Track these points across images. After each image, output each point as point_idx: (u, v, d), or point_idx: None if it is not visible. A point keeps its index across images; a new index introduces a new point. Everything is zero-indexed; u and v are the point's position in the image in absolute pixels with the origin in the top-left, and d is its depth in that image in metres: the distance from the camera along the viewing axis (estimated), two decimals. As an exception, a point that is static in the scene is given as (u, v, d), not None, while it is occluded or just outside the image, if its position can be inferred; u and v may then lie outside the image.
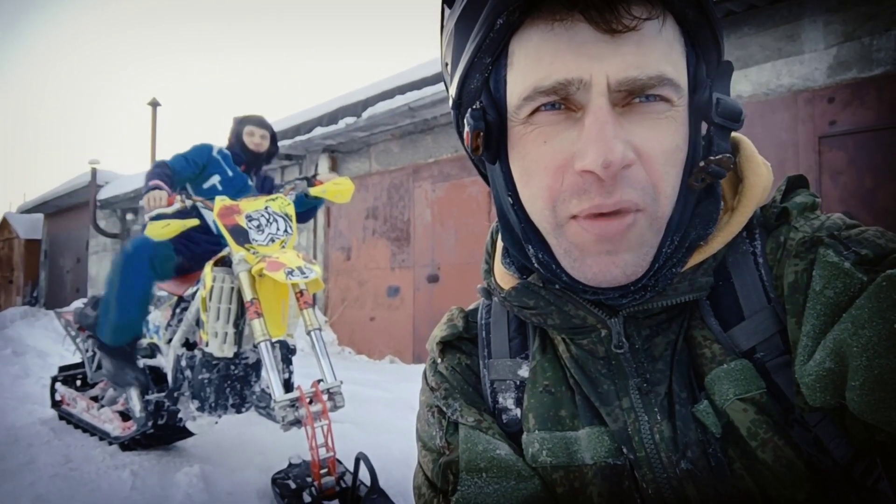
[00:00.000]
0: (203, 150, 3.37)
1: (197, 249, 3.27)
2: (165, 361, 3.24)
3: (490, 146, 0.55)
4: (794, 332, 0.50)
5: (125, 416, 3.54)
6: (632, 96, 0.49)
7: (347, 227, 8.00)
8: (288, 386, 2.95)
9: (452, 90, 0.58)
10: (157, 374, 3.37)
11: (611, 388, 0.57)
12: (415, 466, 0.70)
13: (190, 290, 3.24)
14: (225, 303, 2.73)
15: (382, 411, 4.17)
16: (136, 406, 3.27)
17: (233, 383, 2.91)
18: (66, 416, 4.05)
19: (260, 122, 3.50)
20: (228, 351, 2.77)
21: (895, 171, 3.73)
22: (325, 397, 2.43)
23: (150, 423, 3.16)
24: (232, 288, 2.73)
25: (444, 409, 0.65)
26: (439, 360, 0.71)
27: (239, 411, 2.96)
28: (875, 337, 0.43)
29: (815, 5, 3.99)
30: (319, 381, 2.47)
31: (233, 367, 2.90)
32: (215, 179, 3.34)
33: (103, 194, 12.41)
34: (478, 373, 0.69)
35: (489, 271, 0.69)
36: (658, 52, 0.48)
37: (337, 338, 7.84)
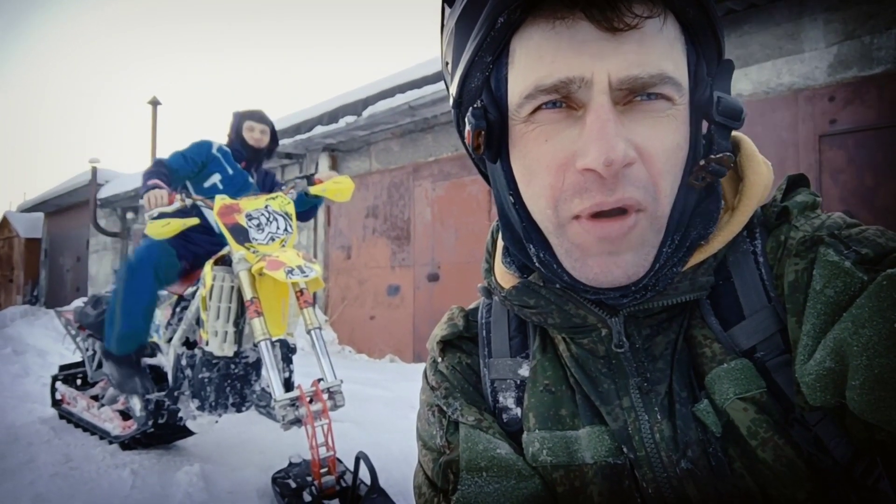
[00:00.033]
0: (202, 148, 3.33)
1: (197, 249, 3.27)
2: (166, 360, 3.24)
3: (491, 145, 0.55)
4: (795, 332, 0.50)
5: (125, 415, 3.55)
6: (633, 95, 0.49)
7: (347, 226, 8.00)
8: (288, 385, 2.95)
9: (453, 89, 0.58)
10: (157, 373, 3.38)
11: (611, 388, 0.57)
12: (415, 465, 0.70)
13: (190, 289, 3.24)
14: (225, 302, 2.73)
15: (382, 410, 4.18)
16: (136, 405, 3.27)
17: (233, 382, 2.91)
18: (66, 415, 4.05)
19: (259, 118, 3.46)
20: (229, 350, 2.77)
21: (895, 170, 3.73)
22: (325, 396, 2.43)
23: (150, 423, 3.16)
24: (232, 287, 2.73)
25: (445, 408, 0.65)
26: (440, 360, 0.71)
27: (239, 410, 2.97)
28: (875, 336, 0.43)
29: (815, 4, 3.99)
30: (320, 380, 2.47)
31: (233, 366, 2.90)
32: (216, 178, 3.32)
33: (103, 193, 12.42)
34: (478, 372, 0.69)
35: (489, 270, 0.69)
36: (659, 50, 0.48)
37: (337, 337, 7.84)
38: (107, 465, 3.12)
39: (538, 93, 0.49)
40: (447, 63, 0.60)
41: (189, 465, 2.94)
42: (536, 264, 0.57)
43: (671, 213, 0.52)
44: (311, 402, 2.39)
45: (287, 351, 3.06)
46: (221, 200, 2.72)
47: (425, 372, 0.72)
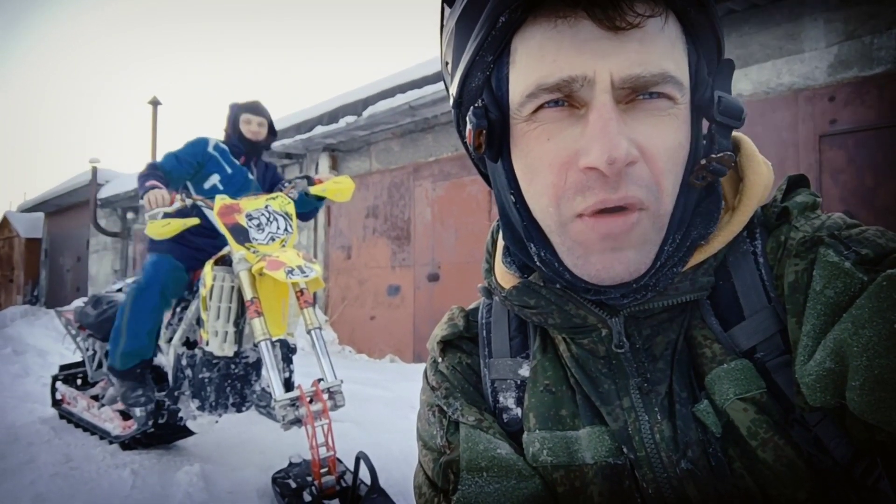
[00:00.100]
0: (197, 148, 3.26)
1: (198, 249, 3.26)
2: (166, 360, 3.25)
3: (493, 144, 0.55)
4: (795, 332, 0.50)
5: (126, 415, 3.54)
6: (635, 94, 0.49)
7: (348, 226, 8.00)
8: (288, 385, 2.95)
9: (453, 89, 0.58)
10: (157, 373, 3.38)
11: (611, 388, 0.57)
12: (415, 465, 0.71)
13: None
14: (225, 302, 2.73)
15: (383, 410, 4.18)
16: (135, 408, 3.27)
17: (233, 382, 2.91)
18: (66, 415, 4.05)
19: (256, 110, 3.38)
20: (229, 350, 2.77)
21: (895, 170, 3.73)
22: (325, 396, 2.43)
23: (150, 423, 3.16)
24: (232, 287, 2.73)
25: (445, 408, 0.65)
26: (440, 360, 0.71)
27: (239, 410, 2.97)
28: (875, 337, 0.43)
29: (815, 4, 3.99)
30: (320, 380, 2.47)
31: (233, 366, 2.90)
32: (215, 179, 3.27)
33: (104, 193, 12.42)
34: (478, 372, 0.69)
35: (490, 270, 0.69)
36: (661, 49, 0.48)
37: (337, 337, 7.84)
38: (107, 465, 3.12)
39: (540, 91, 0.49)
40: (447, 63, 0.60)
41: (189, 465, 2.94)
42: (537, 263, 0.57)
43: (673, 212, 0.52)
44: (311, 402, 2.39)
45: (287, 351, 3.06)
46: (221, 200, 2.72)
47: (425, 372, 0.72)
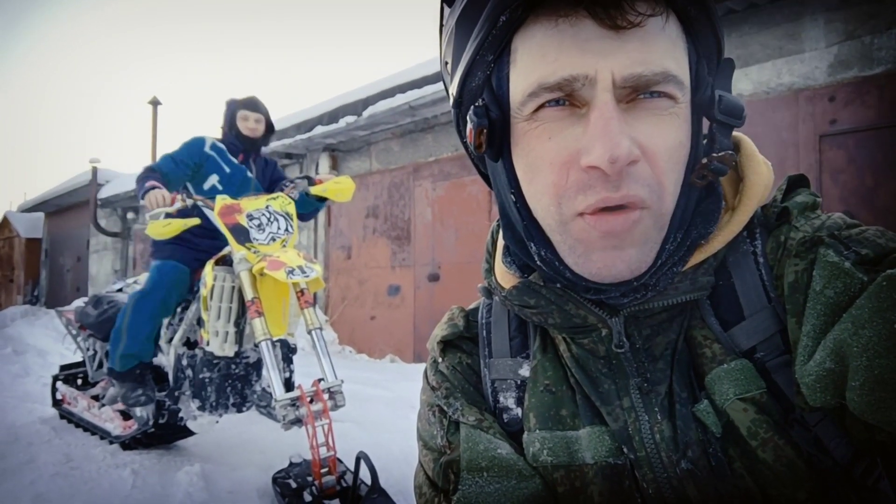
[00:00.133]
0: (193, 148, 3.22)
1: (200, 251, 3.26)
2: (166, 360, 3.25)
3: (493, 143, 0.55)
4: (795, 332, 0.50)
5: (126, 415, 3.55)
6: (636, 93, 0.49)
7: (348, 226, 8.00)
8: (289, 385, 2.95)
9: (453, 89, 0.58)
10: (157, 373, 3.37)
11: (611, 388, 0.57)
12: (415, 465, 0.71)
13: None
14: (226, 302, 2.73)
15: (383, 410, 4.18)
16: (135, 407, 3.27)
17: (234, 382, 2.91)
18: (66, 415, 4.05)
19: (253, 106, 3.32)
20: (229, 350, 2.77)
21: (895, 170, 3.74)
22: (325, 396, 2.43)
23: (150, 423, 3.16)
24: (233, 287, 2.73)
25: (445, 408, 0.65)
26: (440, 360, 0.71)
27: (240, 410, 2.97)
28: (875, 337, 0.43)
29: (816, 4, 3.99)
30: (320, 380, 2.47)
31: (234, 367, 2.90)
32: (214, 179, 3.24)
33: (104, 193, 12.42)
34: (479, 372, 0.69)
35: (490, 270, 0.69)
36: (662, 48, 0.48)
37: (337, 337, 7.84)
38: (107, 464, 3.12)
39: (542, 90, 0.49)
40: (447, 63, 0.60)
41: (189, 465, 2.94)
42: (538, 262, 0.57)
43: (674, 211, 0.53)
44: (311, 401, 2.39)
45: (287, 351, 3.06)
46: (222, 201, 2.72)
47: (426, 372, 0.72)
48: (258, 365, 2.98)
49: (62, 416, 4.12)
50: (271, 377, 2.40)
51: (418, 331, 6.86)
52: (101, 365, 3.78)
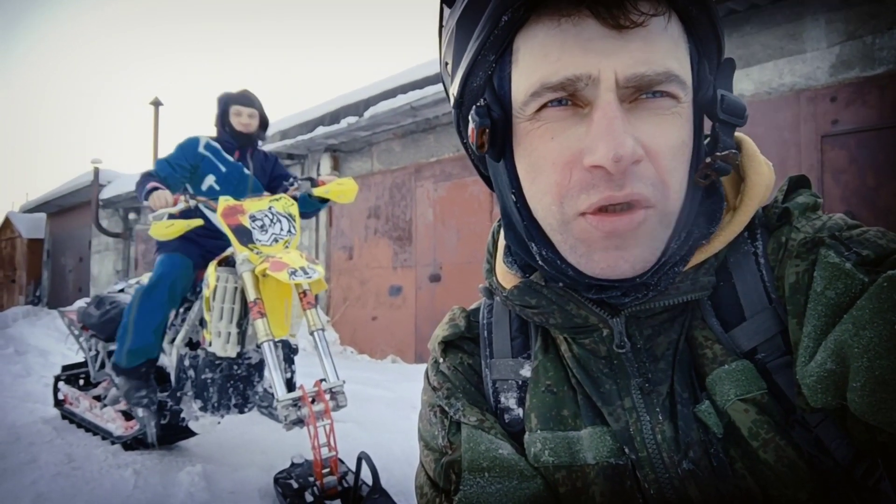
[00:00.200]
0: (188, 149, 3.19)
1: (204, 250, 3.26)
2: (168, 361, 3.25)
3: (495, 143, 0.55)
4: (796, 333, 0.50)
5: (128, 415, 3.55)
6: (639, 92, 0.49)
7: (349, 227, 8.01)
8: (290, 385, 2.95)
9: (454, 89, 0.58)
10: (159, 374, 3.38)
11: (613, 388, 0.57)
12: (417, 466, 0.71)
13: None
14: (228, 302, 2.73)
15: (384, 411, 4.18)
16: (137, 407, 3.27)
17: (236, 383, 2.91)
18: (68, 415, 4.06)
19: (245, 100, 3.26)
20: (231, 351, 2.78)
21: (898, 171, 3.73)
22: (327, 397, 2.43)
23: (152, 422, 3.16)
24: (235, 288, 2.73)
25: (447, 408, 0.65)
26: (441, 360, 0.71)
27: (242, 411, 2.97)
28: (876, 338, 0.43)
29: (817, 4, 3.99)
30: (322, 380, 2.47)
31: (236, 367, 2.90)
32: (210, 180, 3.22)
33: (106, 194, 12.44)
34: (480, 372, 0.69)
35: (491, 270, 0.69)
36: (665, 48, 0.48)
37: (339, 337, 7.85)
38: (109, 465, 3.13)
39: (544, 90, 0.49)
40: (447, 63, 0.60)
41: (191, 466, 2.95)
42: (540, 262, 0.57)
43: (680, 210, 0.53)
44: (313, 402, 2.39)
45: (289, 352, 3.06)
46: (225, 202, 2.72)
47: (427, 372, 0.72)
48: (260, 366, 2.98)
49: (64, 417, 4.12)
50: (273, 378, 2.41)
51: (420, 331, 6.85)
52: (103, 365, 3.79)
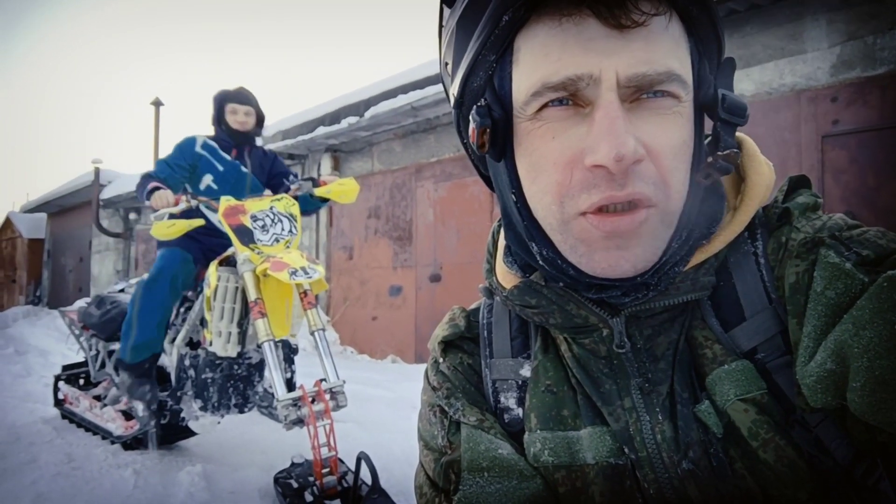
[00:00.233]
0: (185, 149, 3.19)
1: (206, 247, 3.25)
2: (169, 361, 3.25)
3: (496, 143, 0.55)
4: (796, 333, 0.50)
5: (128, 415, 3.55)
6: (640, 92, 0.49)
7: (349, 227, 8.01)
8: (290, 385, 2.95)
9: (454, 89, 0.58)
10: (160, 374, 3.38)
11: (612, 388, 0.57)
12: (416, 466, 0.71)
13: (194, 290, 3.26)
14: (229, 302, 2.73)
15: (384, 411, 4.18)
16: (139, 405, 3.27)
17: (236, 383, 2.91)
18: (68, 415, 4.06)
19: (241, 98, 3.24)
20: (232, 350, 2.78)
21: (898, 171, 3.73)
22: (327, 396, 2.43)
23: (152, 423, 3.16)
24: (236, 288, 2.73)
25: (446, 408, 0.65)
26: (441, 360, 0.71)
27: (242, 411, 2.97)
28: (876, 338, 0.43)
29: (817, 4, 3.99)
30: (322, 380, 2.47)
31: (236, 367, 2.90)
32: (208, 179, 3.22)
33: (106, 194, 12.44)
34: (479, 372, 0.69)
35: (491, 270, 0.69)
36: (666, 48, 0.48)
37: (339, 337, 7.85)
38: (109, 464, 3.13)
39: (545, 90, 0.49)
40: (446, 64, 0.60)
41: (191, 466, 2.95)
42: (540, 262, 0.57)
43: (682, 210, 0.53)
44: (313, 402, 2.39)
45: (289, 351, 3.06)
46: (227, 202, 2.72)
47: (427, 372, 0.72)
48: (260, 365, 2.98)
49: (64, 416, 4.12)
50: (273, 377, 2.41)
51: (420, 331, 6.86)
52: (103, 365, 3.79)
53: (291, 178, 3.37)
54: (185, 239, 3.14)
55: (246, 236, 2.66)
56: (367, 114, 6.65)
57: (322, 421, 2.39)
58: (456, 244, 6.57)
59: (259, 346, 2.55)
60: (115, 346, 3.57)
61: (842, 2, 3.89)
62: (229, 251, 2.83)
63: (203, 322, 2.96)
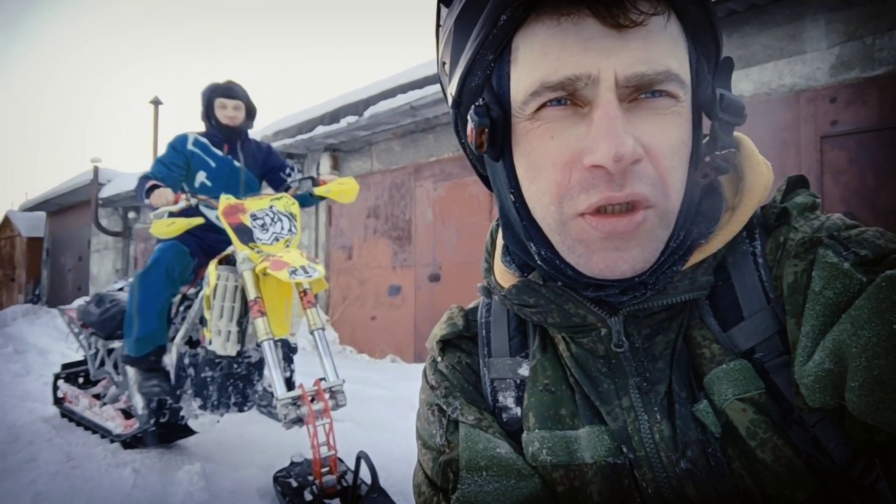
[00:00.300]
0: (178, 147, 3.19)
1: (208, 248, 3.25)
2: (168, 359, 3.25)
3: (494, 143, 0.54)
4: (794, 333, 0.50)
5: (127, 413, 3.55)
6: (638, 92, 0.49)
7: (349, 226, 8.00)
8: (289, 384, 2.95)
9: (452, 89, 0.58)
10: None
11: (611, 387, 0.58)
12: (415, 465, 0.71)
13: (193, 289, 3.25)
14: (229, 301, 2.73)
15: (383, 410, 4.18)
16: (138, 404, 3.27)
17: (235, 382, 2.91)
18: (68, 414, 4.06)
19: (230, 92, 3.22)
20: (231, 349, 2.78)
21: (897, 171, 3.73)
22: (326, 396, 2.43)
23: (152, 421, 3.16)
24: (236, 286, 2.73)
25: (445, 407, 0.65)
26: (439, 359, 0.71)
27: (241, 410, 2.97)
28: (874, 338, 0.43)
29: (817, 5, 3.99)
30: (322, 379, 2.47)
31: (235, 366, 2.90)
32: (202, 176, 3.22)
33: (105, 192, 12.43)
34: (478, 371, 0.69)
35: (489, 270, 0.69)
36: (664, 47, 0.48)
37: (338, 337, 7.84)
38: (108, 463, 3.13)
39: (544, 90, 0.49)
40: (444, 63, 0.60)
41: (190, 464, 2.95)
42: (538, 262, 0.57)
43: (680, 209, 0.53)
44: (312, 401, 2.39)
45: (288, 350, 3.06)
46: (226, 200, 2.72)
47: (425, 371, 0.72)
48: (260, 364, 2.98)
49: (63, 415, 4.12)
50: (273, 376, 2.41)
51: (419, 331, 6.85)
52: (102, 363, 3.79)
53: (288, 170, 3.36)
54: (184, 234, 3.14)
55: (245, 235, 2.66)
56: (367, 113, 6.65)
57: (321, 420, 2.39)
58: (455, 244, 6.57)
59: (258, 345, 2.55)
60: (115, 344, 3.57)
61: (841, 2, 3.89)
62: (229, 250, 2.83)
63: (202, 321, 2.96)
